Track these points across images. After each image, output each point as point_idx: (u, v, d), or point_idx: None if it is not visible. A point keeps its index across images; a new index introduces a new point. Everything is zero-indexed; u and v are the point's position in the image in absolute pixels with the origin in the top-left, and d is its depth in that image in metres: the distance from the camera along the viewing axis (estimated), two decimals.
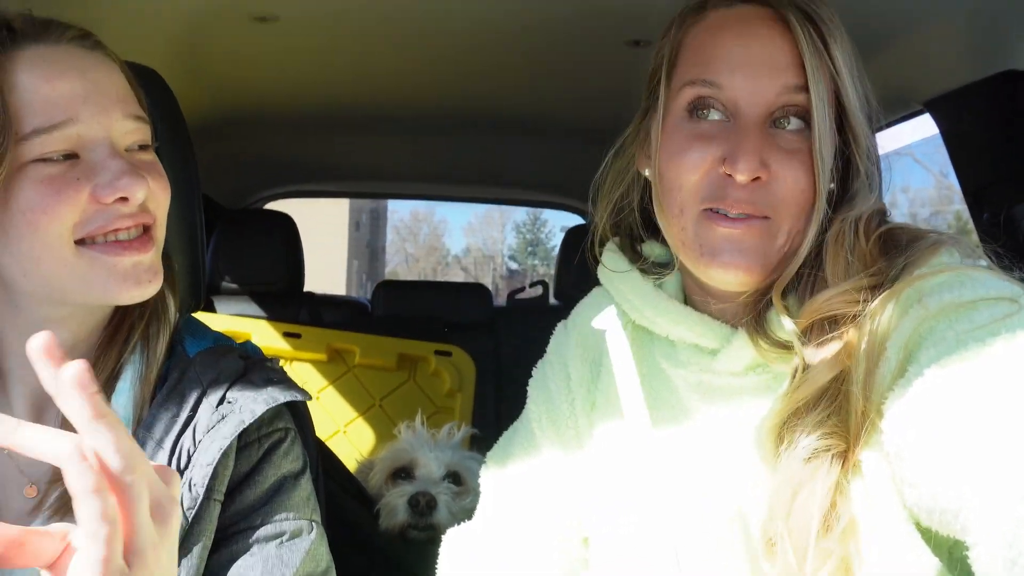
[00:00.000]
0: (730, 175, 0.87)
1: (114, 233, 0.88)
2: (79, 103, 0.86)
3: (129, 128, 0.90)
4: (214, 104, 2.12)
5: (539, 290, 3.35)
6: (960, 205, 1.66)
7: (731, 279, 0.91)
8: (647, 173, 1.00)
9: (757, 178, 0.87)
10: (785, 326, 0.87)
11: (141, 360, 0.96)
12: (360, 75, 1.93)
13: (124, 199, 0.87)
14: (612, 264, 1.05)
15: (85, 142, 0.87)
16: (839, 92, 0.89)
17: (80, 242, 0.87)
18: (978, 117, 1.59)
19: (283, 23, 1.59)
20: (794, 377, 0.84)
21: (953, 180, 1.73)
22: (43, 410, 0.95)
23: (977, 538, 0.58)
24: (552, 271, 3.24)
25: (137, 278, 0.90)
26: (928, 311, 0.75)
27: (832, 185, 0.91)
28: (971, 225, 1.68)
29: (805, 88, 0.86)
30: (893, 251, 0.87)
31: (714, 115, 0.91)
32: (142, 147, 0.93)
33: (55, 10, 0.92)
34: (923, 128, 1.86)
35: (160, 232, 0.94)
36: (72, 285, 0.89)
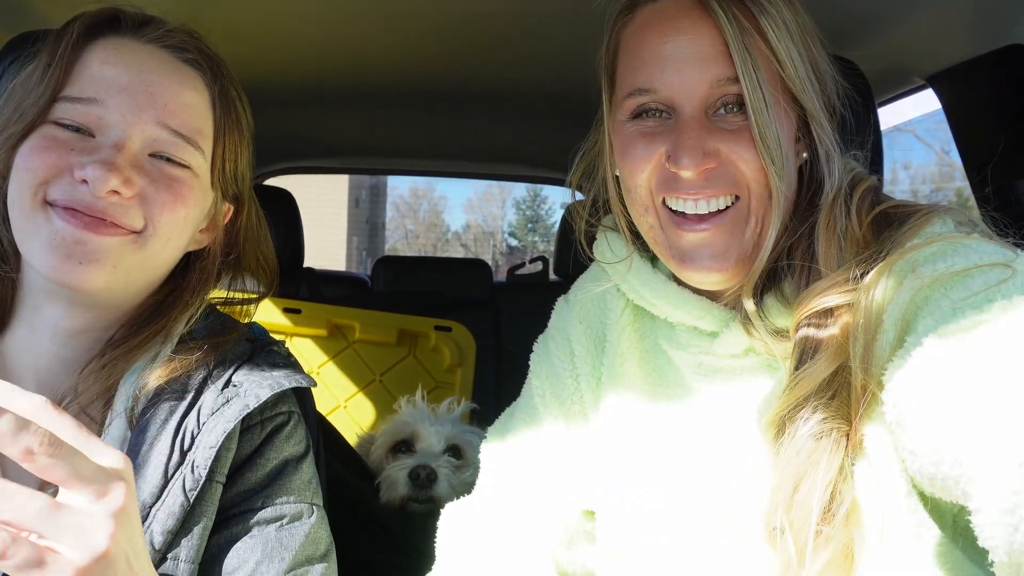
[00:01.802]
0: (676, 172, 0.88)
1: (77, 204, 0.87)
2: (114, 91, 0.89)
3: (158, 136, 0.91)
4: None
5: (539, 266, 3.35)
6: (962, 182, 1.65)
7: (708, 281, 0.92)
8: (617, 173, 1.01)
9: (707, 168, 0.87)
10: (774, 324, 0.88)
11: (150, 360, 0.96)
12: (359, 50, 1.92)
13: (85, 181, 0.86)
14: (604, 254, 1.05)
15: (103, 126, 0.89)
16: (780, 72, 0.88)
17: (51, 204, 0.87)
18: (981, 92, 1.58)
19: None
20: (795, 368, 0.84)
21: (955, 157, 1.73)
22: (44, 388, 0.94)
23: (979, 503, 0.58)
24: (552, 247, 3.24)
25: (69, 253, 0.86)
26: (923, 281, 0.75)
27: (804, 155, 0.92)
28: (972, 202, 1.67)
29: (737, 79, 0.86)
30: (887, 231, 0.87)
31: (655, 115, 0.92)
32: (171, 160, 0.92)
33: None
34: (925, 103, 1.86)
35: (148, 242, 0.91)
36: (28, 243, 0.88)
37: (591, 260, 1.10)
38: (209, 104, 0.96)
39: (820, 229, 0.88)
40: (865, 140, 1.03)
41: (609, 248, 1.05)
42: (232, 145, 0.99)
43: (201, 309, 1.02)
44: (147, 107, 0.90)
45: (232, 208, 1.05)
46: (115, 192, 0.87)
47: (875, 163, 1.22)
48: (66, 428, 0.59)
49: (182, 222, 0.94)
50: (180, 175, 0.93)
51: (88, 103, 0.89)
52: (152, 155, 0.91)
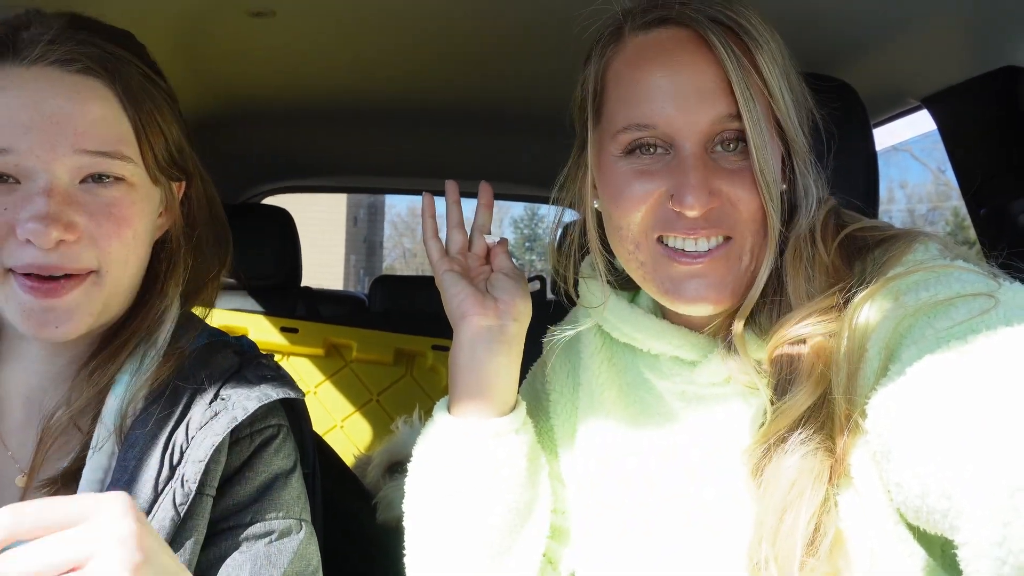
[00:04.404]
0: (680, 212, 0.86)
1: (32, 268, 0.85)
2: (19, 134, 0.84)
3: (82, 163, 0.87)
4: (211, 99, 2.11)
5: (536, 285, 3.36)
6: (957, 201, 1.66)
7: (699, 310, 0.91)
8: (596, 205, 0.99)
9: (711, 208, 0.86)
10: (751, 360, 0.87)
11: (137, 365, 0.96)
12: (357, 69, 1.93)
13: (30, 241, 0.84)
14: (589, 299, 1.04)
15: (23, 171, 0.85)
16: (772, 106, 0.87)
17: (11, 271, 0.86)
18: (976, 113, 1.59)
19: (279, 18, 1.59)
20: (774, 397, 0.84)
21: (951, 176, 1.73)
22: (33, 405, 0.95)
23: (966, 537, 0.58)
24: (549, 266, 3.23)
25: (43, 321, 0.86)
26: (906, 310, 0.75)
27: (783, 187, 0.90)
28: (968, 221, 1.68)
29: (739, 115, 0.85)
30: (858, 255, 0.86)
31: (651, 151, 0.89)
32: (103, 179, 0.89)
33: (55, 4, 0.91)
34: (921, 124, 1.87)
35: (107, 276, 0.90)
36: (3, 307, 0.88)
37: (571, 302, 1.10)
38: (118, 106, 0.90)
39: (787, 260, 0.87)
40: (859, 161, 1.03)
41: (590, 293, 1.05)
42: (156, 131, 0.93)
43: (176, 302, 1.01)
44: (59, 140, 0.85)
45: (183, 183, 1.02)
46: (61, 241, 0.85)
47: (870, 184, 1.22)
48: (32, 511, 0.61)
49: (133, 242, 0.91)
50: (116, 196, 0.89)
51: (1, 153, 0.84)
52: (82, 181, 0.88)
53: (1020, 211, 1.48)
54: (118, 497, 0.64)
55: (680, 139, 0.87)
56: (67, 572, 0.59)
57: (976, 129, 1.60)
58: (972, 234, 1.63)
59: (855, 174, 1.19)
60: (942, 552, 0.74)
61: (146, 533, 0.64)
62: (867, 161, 1.22)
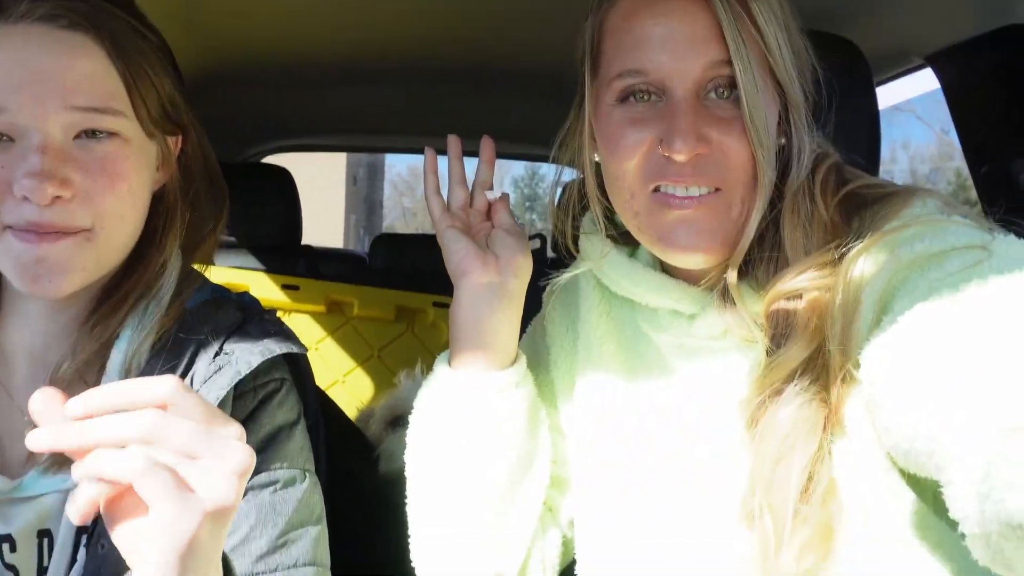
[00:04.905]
0: (669, 156, 0.87)
1: (30, 225, 0.86)
2: (9, 92, 0.84)
3: (74, 119, 0.86)
4: (209, 58, 2.09)
5: (537, 244, 3.36)
6: (960, 162, 1.66)
7: (691, 261, 0.91)
8: (596, 159, 1.00)
9: (699, 154, 0.86)
10: (749, 310, 0.88)
11: (139, 319, 0.97)
12: (357, 26, 1.91)
13: (26, 198, 0.84)
14: (589, 253, 1.05)
15: (16, 129, 0.85)
16: (768, 57, 0.87)
17: (10, 227, 0.87)
18: (980, 72, 1.58)
19: None
20: (769, 350, 0.85)
21: (953, 137, 1.73)
22: (38, 361, 0.97)
23: (952, 476, 0.59)
24: (550, 225, 3.23)
25: (36, 275, 0.87)
26: (900, 262, 0.76)
27: (781, 141, 0.91)
28: (970, 182, 1.68)
29: (730, 61, 0.85)
30: (857, 212, 0.86)
31: (644, 98, 0.90)
32: (97, 134, 0.89)
33: None
34: (924, 83, 1.86)
35: (100, 233, 0.90)
36: (2, 266, 0.89)
37: (572, 259, 1.10)
38: (107, 61, 0.89)
39: (785, 215, 0.88)
40: (861, 118, 1.03)
41: (591, 247, 1.05)
42: (148, 85, 0.93)
43: (175, 256, 1.02)
44: (49, 97, 0.85)
45: (178, 138, 1.02)
46: (57, 197, 0.85)
47: (872, 142, 1.22)
48: (197, 403, 0.61)
49: (128, 196, 0.92)
50: (110, 151, 0.89)
51: None
52: (77, 137, 0.88)
53: (1022, 170, 1.48)
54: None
55: (671, 85, 0.87)
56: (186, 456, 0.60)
57: (980, 88, 1.59)
58: (974, 195, 1.63)
59: (857, 131, 1.19)
60: (934, 498, 0.75)
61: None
62: (869, 119, 1.22)
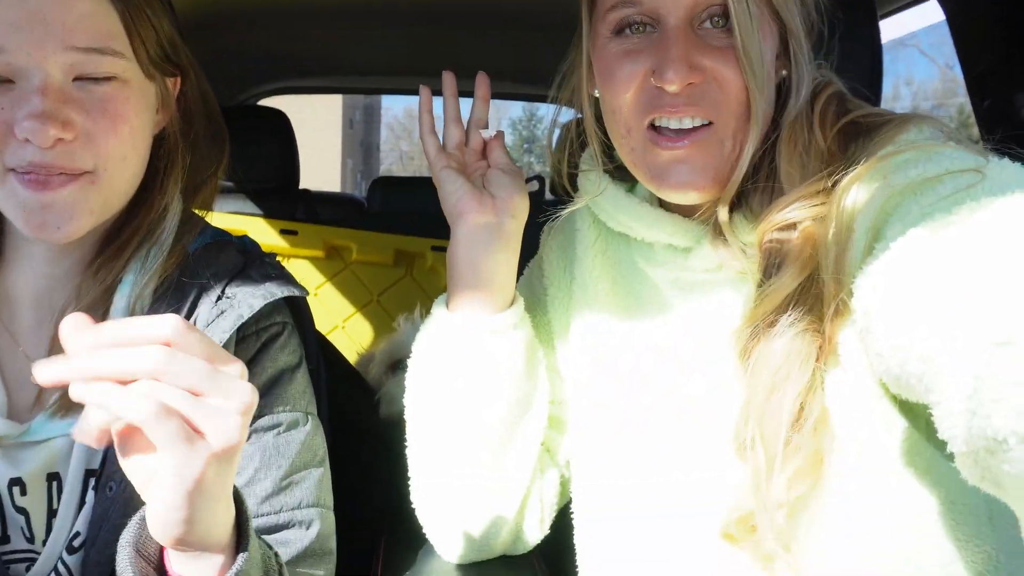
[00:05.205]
0: (662, 87, 0.86)
1: (33, 167, 0.85)
2: (9, 32, 0.83)
3: (73, 60, 0.85)
4: None
5: (535, 185, 3.34)
6: (963, 98, 1.64)
7: (684, 198, 0.91)
8: (596, 93, 0.98)
9: (691, 84, 0.85)
10: (741, 240, 0.88)
11: (142, 263, 0.97)
12: None
13: (28, 140, 0.84)
14: (587, 189, 1.04)
15: (16, 71, 0.84)
16: None
17: (12, 170, 0.86)
18: (985, 2, 1.55)
19: None
20: (759, 285, 0.85)
21: (958, 72, 1.70)
22: (43, 306, 0.97)
23: (940, 396, 0.58)
24: (548, 167, 3.21)
25: (42, 221, 0.87)
26: (894, 189, 0.75)
27: (783, 73, 0.90)
28: (973, 119, 1.66)
29: None
30: (855, 141, 0.85)
31: (639, 30, 0.89)
32: (95, 77, 0.88)
33: None
34: (929, 15, 1.82)
35: (104, 175, 0.90)
36: (4, 207, 0.88)
37: (569, 198, 1.09)
38: (106, 1, 0.88)
39: (781, 146, 0.87)
40: (863, 47, 1.01)
41: (589, 183, 1.04)
42: (147, 25, 0.92)
43: (177, 200, 1.01)
44: (47, 37, 0.84)
45: (178, 79, 1.01)
46: (59, 139, 0.84)
47: (875, 75, 1.20)
48: (201, 341, 0.61)
49: (130, 138, 0.91)
50: (111, 92, 0.89)
51: None
52: (76, 79, 0.87)
53: None
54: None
55: (664, 14, 0.86)
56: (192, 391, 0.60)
57: (984, 19, 1.56)
58: (976, 132, 1.61)
59: (859, 61, 1.16)
60: (927, 425, 0.76)
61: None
62: (872, 48, 1.19)
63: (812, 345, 0.80)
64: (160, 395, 0.58)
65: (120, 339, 0.59)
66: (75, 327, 0.59)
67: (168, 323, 0.60)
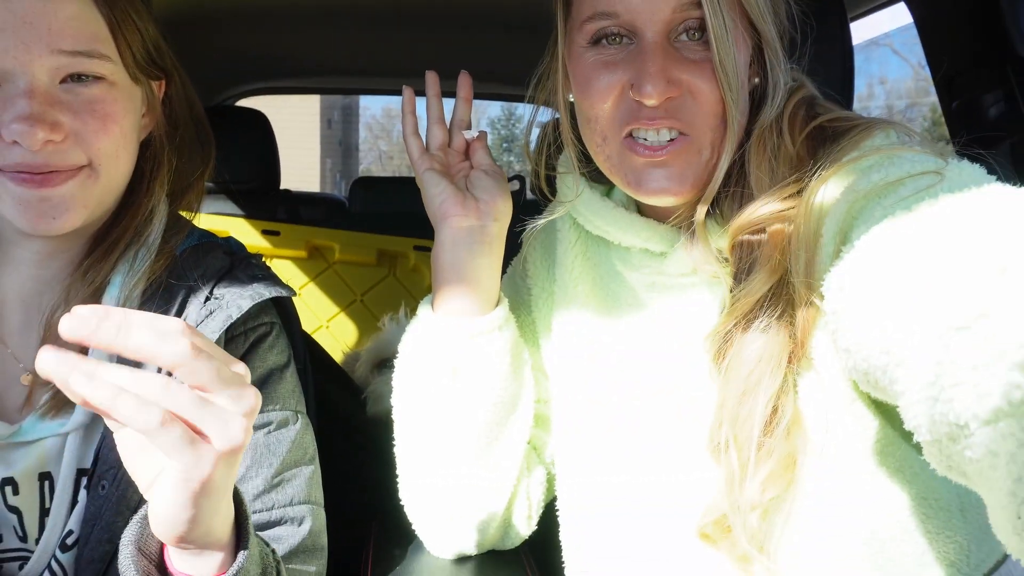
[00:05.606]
0: (640, 101, 0.86)
1: (22, 167, 0.86)
2: None
3: (59, 63, 0.86)
4: None
5: (515, 185, 3.36)
6: (936, 97, 1.67)
7: (662, 201, 0.92)
8: (571, 98, 0.99)
9: (669, 97, 0.86)
10: (713, 247, 0.89)
11: (129, 265, 0.97)
12: None
13: (16, 142, 0.84)
14: (565, 193, 1.05)
15: (2, 74, 0.85)
16: None
17: (1, 170, 0.87)
18: (952, 5, 1.58)
19: None
20: (732, 290, 0.86)
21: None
22: (31, 307, 0.97)
23: (904, 386, 0.59)
24: (527, 167, 3.22)
25: (40, 212, 0.88)
26: (858, 193, 0.77)
27: (756, 80, 0.91)
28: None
29: (700, 3, 0.84)
30: (823, 147, 0.86)
31: (616, 41, 0.89)
32: (83, 79, 0.88)
33: None
34: (901, 16, 1.85)
35: (100, 169, 0.90)
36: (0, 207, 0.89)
37: (547, 200, 1.10)
38: (91, 4, 0.89)
39: (751, 151, 0.88)
40: (834, 49, 1.02)
41: (566, 187, 1.06)
42: (132, 28, 0.93)
43: (163, 202, 1.02)
44: (34, 40, 0.85)
45: (163, 83, 1.02)
46: (49, 141, 0.85)
47: (846, 77, 1.23)
48: (207, 342, 0.62)
49: (121, 137, 0.92)
50: (97, 93, 0.89)
51: None
52: (63, 81, 0.88)
53: (991, 104, 1.50)
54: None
55: (641, 27, 0.87)
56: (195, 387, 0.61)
57: (951, 21, 1.60)
58: (945, 132, 1.64)
59: (830, 63, 1.18)
60: (900, 422, 0.78)
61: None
62: (843, 50, 1.22)
63: (784, 349, 0.82)
64: (165, 400, 0.59)
65: (150, 325, 0.59)
66: (103, 311, 0.59)
67: (178, 323, 0.61)
